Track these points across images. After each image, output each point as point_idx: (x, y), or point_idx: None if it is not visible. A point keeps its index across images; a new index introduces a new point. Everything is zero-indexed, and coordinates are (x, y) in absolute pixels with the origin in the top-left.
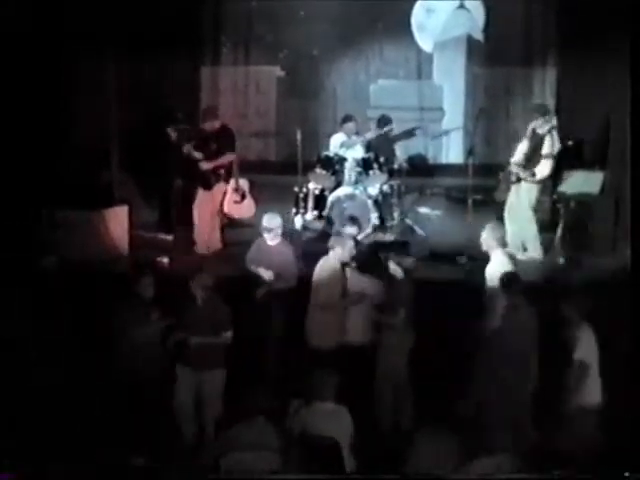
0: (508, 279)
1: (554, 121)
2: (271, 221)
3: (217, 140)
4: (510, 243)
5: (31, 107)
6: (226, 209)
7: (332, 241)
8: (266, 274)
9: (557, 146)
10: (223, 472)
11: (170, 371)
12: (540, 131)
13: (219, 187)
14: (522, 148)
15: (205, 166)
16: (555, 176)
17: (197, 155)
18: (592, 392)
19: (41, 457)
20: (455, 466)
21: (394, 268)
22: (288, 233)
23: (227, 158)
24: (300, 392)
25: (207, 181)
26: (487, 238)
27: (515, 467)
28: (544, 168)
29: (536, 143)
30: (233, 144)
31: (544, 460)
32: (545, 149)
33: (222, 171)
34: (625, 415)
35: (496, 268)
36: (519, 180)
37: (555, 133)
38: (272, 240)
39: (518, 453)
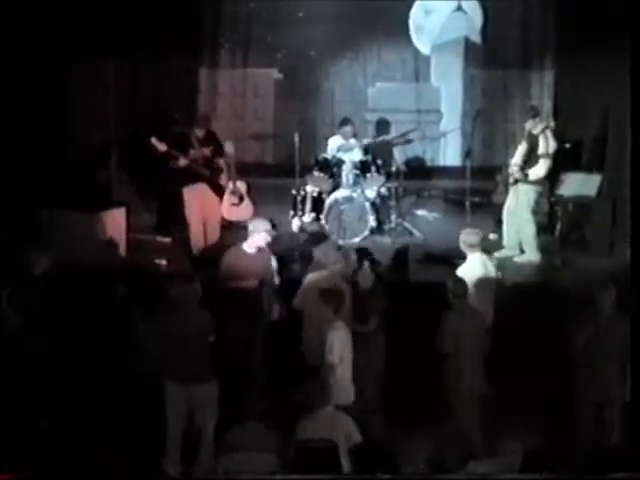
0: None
1: (551, 122)
2: (261, 224)
3: (206, 146)
4: (507, 245)
5: (30, 109)
6: (224, 212)
7: (331, 255)
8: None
9: (552, 145)
10: (221, 473)
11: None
12: (534, 132)
13: (207, 189)
14: (521, 150)
15: (231, 186)
16: (553, 178)
17: (201, 170)
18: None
19: (42, 457)
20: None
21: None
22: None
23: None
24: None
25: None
26: (463, 242)
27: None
28: (540, 168)
29: (532, 144)
30: (222, 147)
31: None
32: (540, 149)
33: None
34: None
35: (468, 270)
36: (516, 182)
37: (549, 132)
38: (253, 247)
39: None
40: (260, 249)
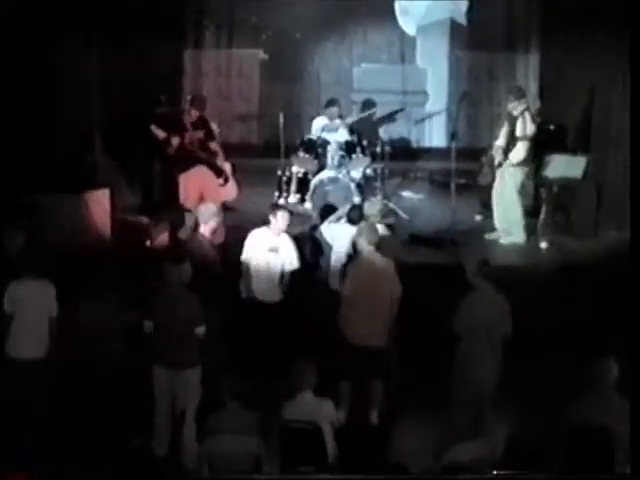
0: None
1: (537, 103)
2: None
3: (199, 129)
4: (499, 228)
5: (13, 91)
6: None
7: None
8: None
9: (530, 128)
10: (204, 457)
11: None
12: (514, 113)
13: (205, 171)
14: (503, 132)
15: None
16: (538, 160)
17: (198, 153)
18: None
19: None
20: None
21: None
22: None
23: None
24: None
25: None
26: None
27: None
28: (519, 151)
29: (512, 126)
30: (213, 133)
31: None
32: (518, 131)
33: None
34: None
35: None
36: (500, 164)
37: (528, 115)
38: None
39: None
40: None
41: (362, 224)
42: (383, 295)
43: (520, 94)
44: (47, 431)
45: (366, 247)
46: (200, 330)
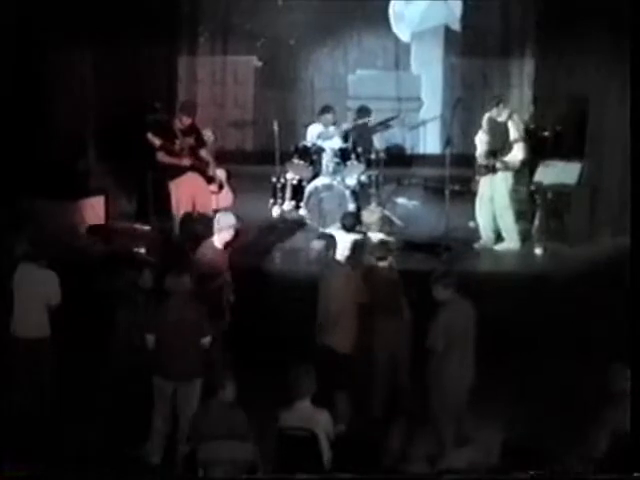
0: None
1: (531, 109)
2: (227, 219)
3: (189, 136)
4: (483, 235)
5: (7, 96)
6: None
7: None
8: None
9: (522, 128)
10: (200, 462)
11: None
12: (500, 119)
13: (197, 178)
14: (482, 140)
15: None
16: (532, 166)
17: (189, 160)
18: None
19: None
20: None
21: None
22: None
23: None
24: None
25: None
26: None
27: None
28: (518, 153)
29: (500, 132)
30: (204, 140)
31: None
32: (512, 135)
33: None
34: None
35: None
36: (494, 170)
37: (516, 117)
38: (221, 243)
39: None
40: (228, 244)
41: (321, 238)
42: (354, 303)
43: (498, 101)
44: (46, 429)
45: (335, 259)
46: (206, 340)
